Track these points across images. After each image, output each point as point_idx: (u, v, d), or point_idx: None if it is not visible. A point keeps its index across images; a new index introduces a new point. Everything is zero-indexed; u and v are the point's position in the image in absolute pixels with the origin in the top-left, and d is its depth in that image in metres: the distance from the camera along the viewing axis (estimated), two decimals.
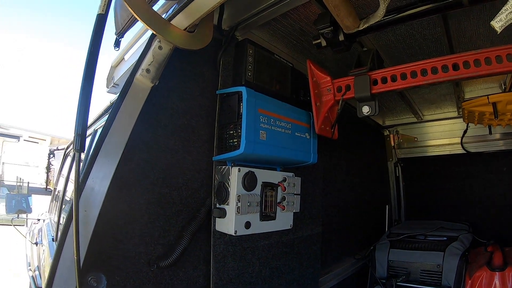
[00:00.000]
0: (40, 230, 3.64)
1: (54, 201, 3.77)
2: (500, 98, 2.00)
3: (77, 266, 0.92)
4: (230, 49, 1.41)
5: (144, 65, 1.13)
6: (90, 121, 2.16)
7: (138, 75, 1.12)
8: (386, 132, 3.52)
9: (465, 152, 3.01)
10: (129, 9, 1.03)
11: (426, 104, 2.93)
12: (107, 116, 1.55)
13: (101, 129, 1.46)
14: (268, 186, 1.38)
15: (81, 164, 1.18)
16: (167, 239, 1.23)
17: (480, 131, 2.91)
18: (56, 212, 2.65)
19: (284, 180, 1.48)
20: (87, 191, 1.00)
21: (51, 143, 13.31)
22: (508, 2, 0.95)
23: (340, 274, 2.30)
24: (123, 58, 2.21)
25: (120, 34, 1.77)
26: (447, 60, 1.25)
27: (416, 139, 3.39)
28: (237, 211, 1.23)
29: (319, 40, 1.32)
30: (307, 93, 1.59)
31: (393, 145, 3.49)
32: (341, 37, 1.26)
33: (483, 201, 3.15)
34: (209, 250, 1.34)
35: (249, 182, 1.27)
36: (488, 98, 2.01)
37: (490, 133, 2.85)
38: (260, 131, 1.28)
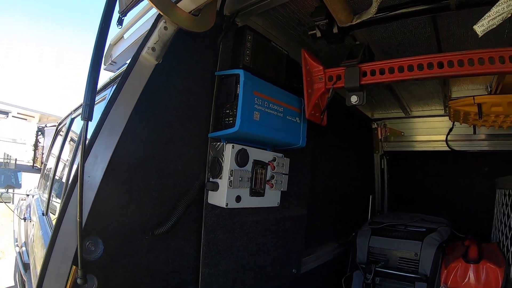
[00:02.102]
0: (28, 206, 3.79)
1: (43, 178, 3.86)
2: (486, 100, 2.14)
3: (79, 228, 1.00)
4: (229, 34, 1.50)
5: (150, 43, 1.21)
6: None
7: (144, 53, 1.20)
8: (374, 125, 3.66)
9: (449, 149, 3.16)
10: None
11: (414, 100, 3.08)
12: (106, 91, 1.66)
13: (104, 101, 1.56)
14: (259, 164, 1.51)
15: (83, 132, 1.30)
16: (162, 209, 1.33)
17: (465, 131, 3.07)
18: (47, 188, 2.73)
19: (274, 159, 1.60)
20: (91, 159, 1.08)
21: (39, 121, 13.21)
22: (490, 10, 1.07)
23: (321, 256, 2.44)
24: (123, 37, 2.28)
25: (124, 12, 1.86)
26: (433, 59, 1.37)
27: (403, 133, 3.55)
28: (229, 185, 1.35)
29: (314, 31, 1.44)
30: (300, 80, 1.71)
31: (380, 138, 3.64)
32: (335, 30, 1.39)
33: (463, 198, 3.33)
34: (200, 222, 1.45)
35: (241, 158, 1.39)
36: (474, 98, 2.15)
37: (475, 133, 3.03)
38: (254, 112, 1.39)
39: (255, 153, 1.49)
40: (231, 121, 1.35)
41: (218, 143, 1.42)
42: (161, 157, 1.33)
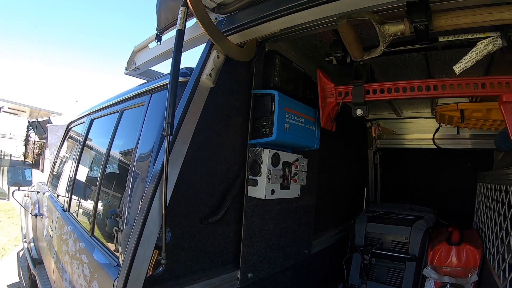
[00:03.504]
0: (37, 202, 3.81)
1: (53, 175, 3.95)
2: (467, 107, 2.54)
3: (164, 220, 1.31)
4: (261, 57, 1.91)
5: (208, 70, 1.57)
6: (113, 101, 2.43)
7: (204, 78, 1.55)
8: (369, 124, 4.07)
9: (436, 147, 3.58)
10: (198, 21, 1.43)
11: (405, 104, 3.49)
12: (143, 97, 1.93)
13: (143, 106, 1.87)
14: (286, 164, 1.98)
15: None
16: (212, 202, 1.74)
17: (450, 131, 3.48)
18: (66, 186, 2.93)
19: (297, 160, 2.08)
20: (170, 165, 1.36)
21: (30, 115, 13.05)
22: (466, 54, 1.50)
23: (325, 241, 2.88)
24: (147, 46, 2.52)
25: (162, 31, 2.21)
26: (422, 83, 1.80)
27: (394, 132, 3.97)
28: (268, 181, 1.81)
29: (331, 58, 1.87)
30: (312, 92, 2.17)
31: (374, 136, 4.04)
32: (348, 60, 1.83)
33: (448, 190, 3.75)
34: (238, 212, 1.87)
35: (275, 160, 1.86)
36: (457, 105, 2.56)
37: (458, 133, 3.46)
38: (285, 124, 1.86)
39: (283, 155, 1.94)
40: (267, 131, 1.80)
41: (256, 148, 1.86)
42: (212, 159, 1.72)
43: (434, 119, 3.21)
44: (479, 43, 1.54)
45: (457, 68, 1.55)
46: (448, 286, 2.55)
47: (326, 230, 3.01)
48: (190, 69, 1.64)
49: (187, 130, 1.50)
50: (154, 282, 1.47)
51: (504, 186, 2.13)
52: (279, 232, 2.15)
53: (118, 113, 2.20)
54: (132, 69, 2.78)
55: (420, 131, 3.81)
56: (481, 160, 3.34)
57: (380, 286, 2.91)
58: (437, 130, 3.48)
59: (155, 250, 1.40)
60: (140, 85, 2.14)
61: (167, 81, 1.60)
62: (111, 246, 1.76)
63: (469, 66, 1.55)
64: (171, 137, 1.35)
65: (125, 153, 2.00)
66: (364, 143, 4.12)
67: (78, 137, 3.14)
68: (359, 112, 1.96)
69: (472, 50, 1.54)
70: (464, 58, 1.54)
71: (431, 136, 3.58)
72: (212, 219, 1.70)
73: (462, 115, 2.62)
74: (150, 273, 1.40)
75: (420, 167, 4.06)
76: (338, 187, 3.26)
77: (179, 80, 1.43)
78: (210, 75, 1.58)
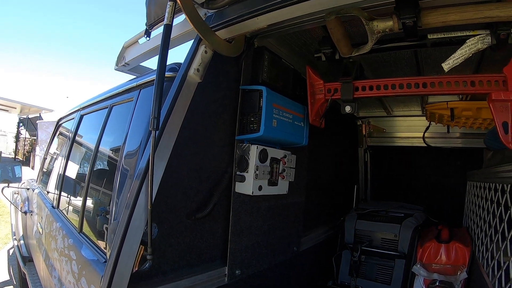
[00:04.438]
0: (26, 199, 3.78)
1: (43, 172, 3.91)
2: (457, 105, 2.56)
3: (150, 215, 1.32)
4: (249, 53, 1.89)
5: (195, 65, 1.56)
6: (102, 97, 2.42)
7: (191, 73, 1.54)
8: (359, 122, 4.05)
9: (426, 145, 3.59)
10: (186, 16, 1.43)
11: (395, 102, 3.49)
12: (132, 93, 1.91)
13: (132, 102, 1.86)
14: (274, 160, 1.97)
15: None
16: (199, 197, 1.73)
17: (440, 129, 3.49)
18: (55, 182, 2.91)
19: (285, 156, 2.07)
20: (156, 159, 1.35)
21: (21, 112, 12.93)
22: (455, 52, 1.50)
23: (314, 238, 2.88)
24: (137, 41, 2.50)
25: (151, 26, 2.20)
26: (412, 80, 1.80)
27: (384, 130, 3.97)
28: (255, 177, 1.80)
29: (319, 54, 1.87)
30: (302, 88, 2.16)
31: (364, 134, 4.05)
32: (337, 57, 1.83)
33: (438, 189, 3.78)
34: (226, 208, 1.86)
35: (263, 156, 1.85)
36: (447, 104, 2.57)
37: (448, 131, 3.45)
38: (273, 120, 1.85)
39: (271, 151, 1.93)
40: (255, 127, 1.79)
41: (244, 144, 1.85)
42: (199, 155, 1.71)
43: (424, 118, 3.22)
44: (468, 40, 1.55)
45: (446, 65, 1.56)
46: (437, 284, 2.57)
47: (315, 228, 3.01)
48: (178, 65, 1.63)
49: (173, 125, 1.49)
50: (141, 278, 1.46)
51: (493, 184, 2.14)
52: (267, 229, 2.14)
53: (107, 108, 2.19)
54: (122, 64, 2.77)
55: (410, 129, 3.82)
56: (471, 159, 3.37)
57: (370, 284, 2.92)
58: (427, 128, 3.49)
59: (141, 246, 1.39)
60: (129, 80, 2.14)
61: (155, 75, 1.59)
62: (99, 243, 1.75)
63: (458, 64, 1.56)
64: (157, 132, 1.34)
65: (114, 149, 2.00)
66: (355, 141, 4.13)
67: (67, 134, 3.12)
68: (348, 109, 1.96)
69: (461, 47, 1.55)
70: (453, 55, 1.54)
71: (421, 135, 3.59)
72: (199, 214, 1.69)
73: (452, 114, 2.64)
74: (136, 269, 1.39)
75: (410, 165, 4.10)
76: (327, 184, 3.26)
77: (167, 75, 1.44)
78: (198, 70, 1.58)
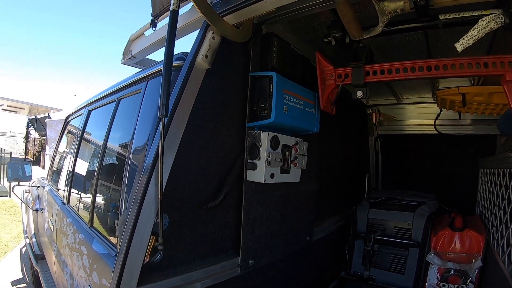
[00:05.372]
0: (37, 197, 3.80)
1: (52, 169, 3.94)
2: (469, 90, 2.48)
3: (160, 204, 1.30)
4: (258, 39, 1.86)
5: (203, 51, 1.52)
6: (109, 91, 2.40)
7: (199, 59, 1.51)
8: (369, 111, 4.01)
9: (437, 133, 3.54)
10: (193, 2, 1.39)
11: (406, 89, 3.44)
12: (139, 85, 1.89)
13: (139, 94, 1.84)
14: (286, 147, 1.94)
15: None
16: (210, 187, 1.70)
17: (452, 116, 3.44)
18: (65, 179, 2.89)
19: (297, 143, 2.04)
20: (165, 148, 1.31)
21: (29, 112, 13.07)
22: (468, 32, 1.46)
23: (326, 228, 2.85)
24: (143, 34, 2.48)
25: (156, 16, 2.17)
26: (423, 63, 1.77)
27: (395, 118, 3.92)
28: (267, 164, 1.77)
29: (329, 39, 1.84)
30: (312, 75, 2.13)
31: (374, 122, 4.00)
32: (347, 40, 1.80)
33: (450, 177, 3.72)
34: (238, 198, 1.83)
35: (274, 143, 1.82)
36: (458, 89, 2.49)
37: (460, 118, 3.40)
38: (284, 106, 1.82)
39: (282, 138, 1.90)
40: (266, 114, 1.76)
41: (254, 131, 1.82)
42: (209, 143, 1.68)
43: (435, 104, 3.16)
44: (480, 20, 1.51)
45: (459, 45, 1.52)
46: (452, 272, 2.55)
47: (327, 217, 2.98)
48: (185, 54, 1.60)
49: (183, 112, 1.46)
50: (152, 270, 1.44)
51: (508, 170, 2.11)
52: (280, 219, 2.11)
53: (115, 102, 2.18)
54: (129, 58, 2.76)
55: (421, 116, 3.77)
56: (483, 146, 3.33)
57: (383, 273, 2.90)
58: (438, 115, 3.43)
59: (152, 236, 1.37)
60: (136, 73, 2.11)
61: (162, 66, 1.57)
62: (110, 236, 1.74)
63: (471, 44, 1.52)
64: (166, 118, 1.31)
65: (123, 142, 1.98)
66: (365, 130, 4.09)
67: (76, 130, 3.12)
68: (359, 94, 1.93)
69: (474, 27, 1.51)
70: (465, 35, 1.50)
71: (432, 122, 3.53)
72: (210, 204, 1.66)
73: (463, 99, 2.55)
74: (148, 260, 1.37)
75: (422, 153, 4.05)
76: (339, 173, 3.23)
77: (174, 64, 1.40)
78: (206, 56, 1.55)
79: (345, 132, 3.36)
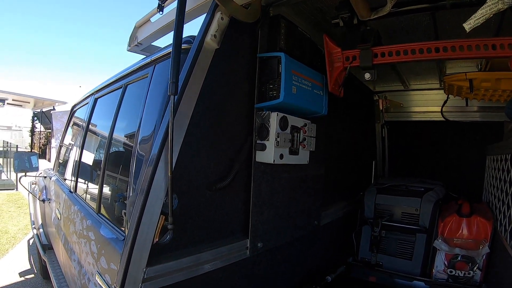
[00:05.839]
0: (44, 187, 3.82)
1: (59, 159, 3.96)
2: (476, 76, 2.48)
3: (170, 183, 1.29)
4: (265, 21, 1.86)
5: (212, 31, 1.52)
6: (115, 77, 2.41)
7: (208, 39, 1.51)
8: (376, 97, 3.99)
9: (444, 119, 3.53)
10: None
11: (412, 75, 3.42)
12: (147, 69, 1.88)
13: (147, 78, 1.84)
14: (295, 129, 1.94)
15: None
16: (219, 168, 1.71)
17: (459, 103, 3.42)
18: (72, 168, 2.91)
19: (305, 125, 2.04)
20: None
21: (34, 106, 13.13)
22: (476, 12, 1.45)
23: (333, 213, 2.86)
24: (149, 20, 2.45)
25: (163, 0, 2.16)
26: (432, 44, 1.76)
27: (402, 105, 3.91)
28: (276, 145, 1.78)
29: (337, 20, 1.84)
30: (319, 58, 2.13)
31: (381, 109, 3.98)
32: (355, 21, 1.80)
33: (457, 164, 3.72)
34: (247, 179, 1.84)
35: (283, 123, 1.83)
36: (465, 75, 2.49)
37: (467, 104, 3.38)
38: (292, 87, 1.82)
39: (291, 120, 1.91)
40: (275, 94, 1.76)
41: (263, 112, 1.82)
42: (218, 124, 1.69)
43: (442, 91, 3.15)
44: (488, 0, 1.49)
45: (468, 25, 1.51)
46: (459, 258, 2.57)
47: (334, 203, 2.99)
48: (192, 37, 1.60)
49: (192, 91, 1.46)
50: (161, 251, 1.45)
51: None
52: (288, 201, 2.12)
53: (122, 88, 2.18)
54: (135, 44, 2.74)
55: (428, 103, 3.76)
56: (490, 133, 3.33)
57: (391, 259, 2.90)
58: (445, 102, 3.42)
59: (162, 216, 1.37)
60: (142, 58, 2.10)
61: (169, 49, 1.59)
62: (118, 221, 1.75)
63: (479, 24, 1.50)
64: (176, 97, 1.32)
65: (130, 126, 1.97)
66: (372, 117, 4.08)
67: (82, 118, 3.12)
68: (367, 76, 1.92)
69: (482, 7, 1.49)
70: (474, 15, 1.48)
71: (439, 109, 3.53)
72: (219, 185, 1.67)
73: (471, 85, 2.55)
74: (157, 240, 1.37)
75: (428, 140, 4.04)
76: (345, 159, 3.23)
77: (182, 47, 1.40)
78: (215, 36, 1.55)
79: (352, 118, 3.36)
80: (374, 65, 1.91)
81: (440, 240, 2.63)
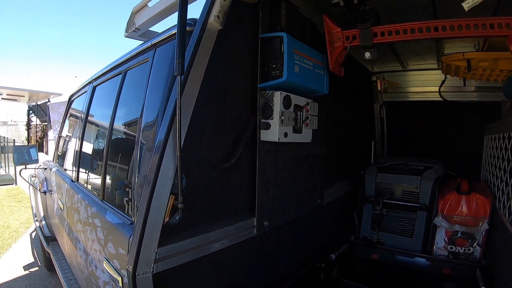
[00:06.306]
0: (45, 179, 3.79)
1: (58, 150, 3.95)
2: (473, 56, 2.52)
3: (179, 162, 1.31)
4: (266, 2, 1.87)
5: (215, 12, 1.51)
6: (114, 64, 2.39)
7: (211, 20, 1.50)
8: (374, 78, 4.01)
9: (442, 100, 3.55)
10: None
11: (411, 55, 3.42)
12: (147, 54, 1.87)
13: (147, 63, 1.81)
14: (297, 107, 1.98)
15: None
16: (224, 148, 1.74)
17: (456, 83, 3.45)
18: (73, 158, 2.90)
19: (308, 104, 2.08)
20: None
21: (29, 99, 13.01)
22: None
23: (335, 193, 2.91)
24: (147, 5, 2.43)
25: None
26: (430, 24, 1.78)
27: (400, 85, 3.93)
28: (281, 123, 1.81)
29: (337, 0, 1.86)
30: (319, 40, 2.15)
31: (379, 89, 3.99)
32: (355, 1, 1.83)
33: (454, 144, 3.77)
34: (253, 158, 1.87)
35: (287, 102, 1.86)
36: (463, 55, 2.53)
37: (465, 84, 3.43)
38: (295, 66, 1.85)
39: (294, 98, 1.94)
40: (277, 73, 1.79)
41: (267, 91, 1.85)
42: (223, 105, 1.71)
43: (440, 71, 3.18)
44: None
45: (466, 5, 1.55)
46: (459, 235, 2.63)
47: (336, 182, 3.03)
48: (193, 20, 1.60)
49: (197, 72, 1.47)
50: (171, 231, 1.48)
51: None
52: (292, 180, 2.16)
53: (121, 74, 2.17)
54: (132, 30, 2.71)
55: (426, 83, 3.78)
56: (487, 113, 3.34)
57: (392, 236, 2.96)
58: (443, 82, 3.43)
59: (171, 196, 1.40)
60: (141, 44, 2.09)
61: (170, 33, 1.61)
62: (124, 206, 1.76)
63: (477, 3, 1.55)
64: (182, 76, 1.33)
65: (132, 111, 1.97)
66: (370, 97, 4.11)
67: (81, 108, 3.09)
68: (367, 55, 1.95)
69: None
70: None
71: (437, 89, 3.54)
72: (226, 164, 1.70)
73: (468, 65, 2.58)
74: (167, 219, 1.40)
75: (426, 120, 4.09)
76: (346, 138, 3.28)
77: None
78: (218, 16, 1.55)
79: (351, 98, 3.38)
80: (374, 44, 1.93)
81: (440, 217, 2.69)
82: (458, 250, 2.66)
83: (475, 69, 2.62)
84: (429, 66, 3.65)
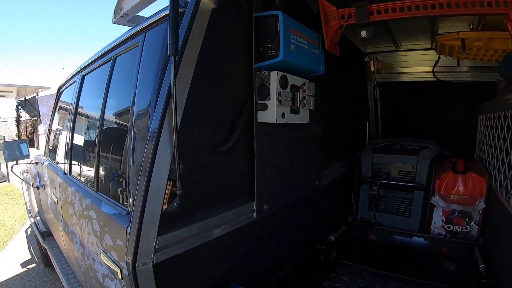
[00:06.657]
0: (37, 174, 3.74)
1: (49, 143, 3.83)
2: (468, 35, 2.51)
3: (176, 147, 1.27)
4: None
5: None
6: (103, 51, 2.33)
7: None
8: (367, 59, 3.98)
9: (435, 80, 3.56)
10: None
11: (404, 35, 3.39)
12: (137, 38, 1.81)
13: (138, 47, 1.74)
14: (294, 87, 1.94)
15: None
16: (221, 131, 1.70)
17: (450, 63, 3.44)
18: (65, 150, 2.83)
19: (304, 84, 2.04)
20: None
21: (17, 94, 12.75)
22: None
23: (330, 174, 2.89)
24: None
25: None
26: (428, 1, 1.74)
27: (393, 65, 3.92)
28: (278, 103, 1.77)
29: None
30: (314, 18, 2.12)
31: (372, 70, 3.98)
32: None
33: (449, 124, 3.78)
34: (250, 140, 1.83)
35: (284, 82, 1.82)
36: (458, 34, 2.51)
37: (458, 64, 3.41)
38: (291, 45, 1.80)
39: (291, 78, 1.90)
40: (273, 53, 1.74)
41: (263, 72, 1.80)
42: (218, 88, 1.67)
43: (433, 51, 3.17)
44: None
45: None
46: (456, 214, 2.65)
47: (332, 163, 3.03)
48: (185, 2, 1.54)
49: (191, 53, 1.42)
50: (170, 219, 1.44)
51: (510, 112, 2.14)
52: (289, 162, 2.14)
53: (111, 61, 2.11)
54: (120, 16, 2.63)
55: (419, 63, 3.77)
56: (481, 93, 3.35)
57: (389, 217, 2.98)
58: (436, 62, 3.44)
59: (169, 182, 1.36)
60: (130, 29, 2.04)
61: (160, 15, 1.55)
62: (118, 196, 1.71)
63: None
64: (176, 57, 1.28)
65: (124, 98, 1.90)
66: (363, 78, 4.10)
67: (70, 99, 3.01)
68: (363, 33, 1.91)
69: None
70: None
71: (430, 69, 3.55)
72: (223, 147, 1.66)
73: (463, 44, 2.57)
74: (166, 207, 1.36)
75: (420, 100, 4.08)
76: (341, 119, 3.26)
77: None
78: None
79: (345, 79, 3.36)
80: (370, 22, 1.89)
81: (437, 197, 2.70)
82: (456, 229, 2.68)
83: (469, 48, 2.61)
84: (422, 46, 3.62)
